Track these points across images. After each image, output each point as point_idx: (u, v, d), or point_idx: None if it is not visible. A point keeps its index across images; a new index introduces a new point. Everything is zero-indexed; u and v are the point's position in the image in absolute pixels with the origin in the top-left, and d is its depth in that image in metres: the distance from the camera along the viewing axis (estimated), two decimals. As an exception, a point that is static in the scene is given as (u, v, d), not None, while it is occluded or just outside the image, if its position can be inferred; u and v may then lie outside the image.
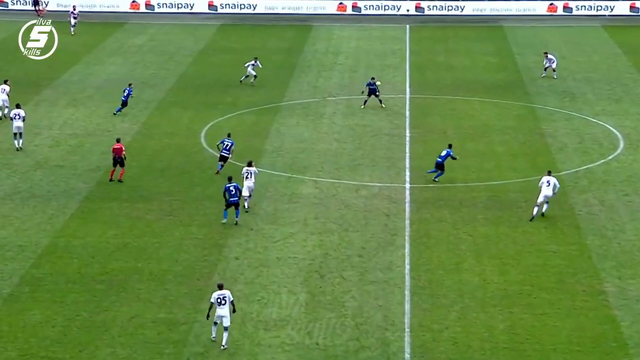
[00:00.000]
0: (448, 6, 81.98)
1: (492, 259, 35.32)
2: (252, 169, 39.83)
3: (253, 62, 59.45)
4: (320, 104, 56.21)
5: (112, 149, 42.75)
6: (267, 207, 40.12)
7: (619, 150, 47.25)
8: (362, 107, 53.37)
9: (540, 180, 39.10)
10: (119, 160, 42.39)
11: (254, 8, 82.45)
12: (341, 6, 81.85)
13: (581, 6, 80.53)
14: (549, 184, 38.83)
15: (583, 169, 44.64)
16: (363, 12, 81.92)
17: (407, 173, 44.49)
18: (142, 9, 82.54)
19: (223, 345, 29.03)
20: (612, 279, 33.51)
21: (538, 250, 35.98)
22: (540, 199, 38.74)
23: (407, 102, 56.36)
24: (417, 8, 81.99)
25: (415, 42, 72.89)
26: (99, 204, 40.25)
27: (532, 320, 30.83)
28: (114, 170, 42.68)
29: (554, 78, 59.47)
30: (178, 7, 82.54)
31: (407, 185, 42.88)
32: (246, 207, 39.22)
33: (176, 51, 69.46)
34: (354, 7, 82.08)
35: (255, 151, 47.34)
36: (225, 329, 29.05)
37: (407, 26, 78.59)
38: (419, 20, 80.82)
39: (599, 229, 37.84)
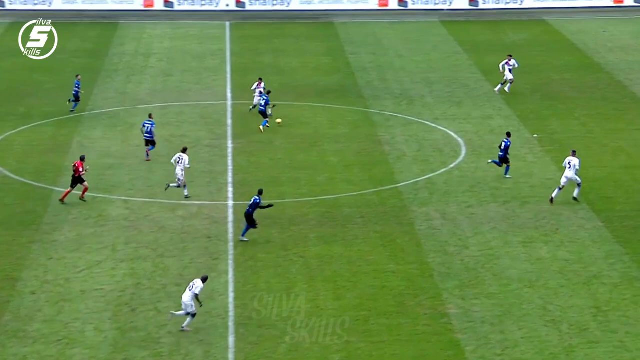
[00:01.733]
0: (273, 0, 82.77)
1: (325, 282, 35.77)
2: (184, 156, 43.13)
3: (257, 84, 55.32)
4: (130, 113, 55.67)
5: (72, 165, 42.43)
6: (69, 232, 39.40)
7: (460, 158, 48.78)
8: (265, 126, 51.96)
9: (564, 161, 42.66)
10: (77, 178, 42.07)
11: (50, 4, 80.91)
12: (148, 2, 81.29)
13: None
14: (570, 165, 42.14)
15: (423, 179, 45.85)
16: (177, 7, 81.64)
17: (230, 189, 44.58)
18: None
19: (182, 327, 31.83)
20: (456, 299, 34.52)
21: (376, 270, 36.70)
22: (563, 180, 42.08)
23: (229, 109, 56.51)
24: (238, 3, 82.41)
25: (236, 42, 73.19)
26: None
27: (370, 349, 31.38)
28: (69, 191, 42.11)
29: (505, 91, 58.97)
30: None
31: (230, 203, 42.96)
32: (168, 185, 43.11)
33: (-42, 54, 67.41)
34: (166, 2, 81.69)
35: (54, 168, 46.39)
36: (192, 315, 31.87)
37: (228, 23, 78.85)
38: (241, 16, 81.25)
39: (441, 245, 38.93)
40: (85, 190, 42.47)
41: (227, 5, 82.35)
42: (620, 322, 32.68)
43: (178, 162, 42.95)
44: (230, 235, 39.51)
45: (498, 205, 42.72)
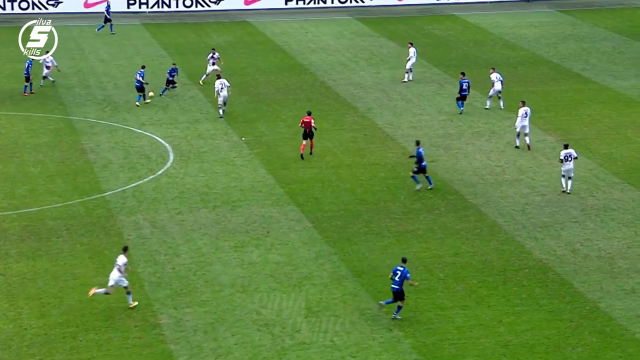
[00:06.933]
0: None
1: (29, 300, 34.73)
2: (224, 80, 54.35)
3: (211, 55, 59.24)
4: None
5: (301, 122, 48.48)
6: None
7: (169, 164, 48.60)
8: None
9: (518, 112, 49.69)
10: (309, 133, 48.26)
11: None
12: None
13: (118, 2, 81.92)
14: (527, 114, 49.26)
15: (131, 187, 45.39)
16: None
17: None
18: None
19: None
20: (167, 309, 34.33)
21: (83, 284, 35.94)
22: (518, 128, 49.89)
23: None
24: None
25: None
26: None
27: (80, 366, 30.72)
28: (304, 145, 48.30)
29: (500, 108, 56.03)
30: None
31: None
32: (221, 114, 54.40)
33: None
34: None
35: None
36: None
37: None
38: None
39: (150, 254, 38.60)
40: (312, 144, 48.73)
41: None
42: (330, 322, 33.52)
43: (222, 88, 53.73)
44: None
45: (208, 211, 42.86)
